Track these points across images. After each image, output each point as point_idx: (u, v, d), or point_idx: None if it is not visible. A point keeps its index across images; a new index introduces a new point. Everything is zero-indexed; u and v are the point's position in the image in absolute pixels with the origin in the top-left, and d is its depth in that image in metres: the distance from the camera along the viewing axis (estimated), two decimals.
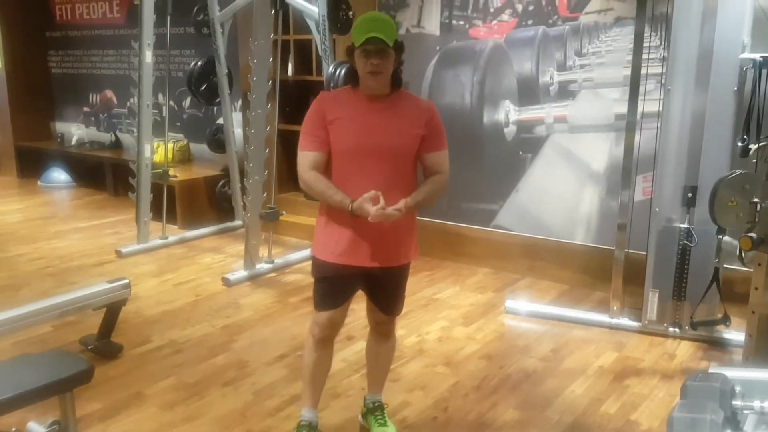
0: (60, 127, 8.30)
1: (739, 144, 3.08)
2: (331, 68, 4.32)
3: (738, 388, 1.40)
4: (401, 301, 2.58)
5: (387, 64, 2.28)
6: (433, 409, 2.92)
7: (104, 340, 3.42)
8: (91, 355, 3.34)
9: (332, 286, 2.44)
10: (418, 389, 3.09)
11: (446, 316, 3.95)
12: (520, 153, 4.57)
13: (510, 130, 4.59)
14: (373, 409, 2.72)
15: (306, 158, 2.36)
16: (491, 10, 4.56)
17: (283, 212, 4.79)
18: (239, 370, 3.26)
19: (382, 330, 2.64)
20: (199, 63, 5.60)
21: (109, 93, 7.73)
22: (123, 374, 3.22)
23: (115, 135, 7.60)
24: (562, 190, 4.45)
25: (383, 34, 2.22)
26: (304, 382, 2.61)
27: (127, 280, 3.42)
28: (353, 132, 2.33)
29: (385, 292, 2.51)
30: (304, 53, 5.75)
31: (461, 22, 4.70)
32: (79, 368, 2.09)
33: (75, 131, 7.98)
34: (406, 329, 3.71)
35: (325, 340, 2.53)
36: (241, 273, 4.57)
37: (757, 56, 3.16)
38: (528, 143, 4.54)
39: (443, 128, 2.44)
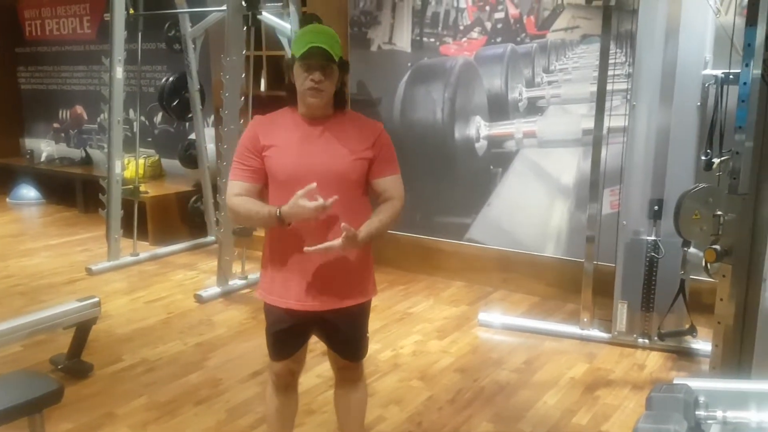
0: (29, 143, 8.19)
1: (703, 158, 3.15)
2: None
3: (702, 399, 1.44)
4: (364, 344, 2.32)
5: (330, 82, 2.03)
6: (408, 423, 2.93)
7: (74, 360, 3.38)
8: (61, 375, 3.29)
9: (284, 335, 2.24)
10: (393, 403, 3.09)
11: (421, 330, 3.97)
12: (491, 167, 4.63)
13: (481, 145, 4.65)
14: None
15: (234, 188, 2.12)
16: (461, 27, 4.63)
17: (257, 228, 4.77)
18: (213, 388, 3.24)
19: (347, 376, 2.38)
20: (171, 78, 5.59)
21: (79, 109, 7.66)
22: (94, 394, 3.18)
23: (86, 151, 7.53)
24: (532, 204, 4.51)
25: (328, 46, 1.97)
26: (270, 428, 2.45)
27: (97, 299, 3.38)
28: (291, 159, 2.07)
29: (343, 335, 2.24)
30: (277, 69, 5.76)
31: (432, 39, 4.76)
32: (48, 388, 2.07)
33: (45, 147, 7.90)
34: (381, 343, 3.72)
35: (287, 386, 2.38)
36: (214, 289, 4.55)
37: (719, 72, 3.24)
38: (498, 158, 4.60)
39: (394, 150, 2.19)
